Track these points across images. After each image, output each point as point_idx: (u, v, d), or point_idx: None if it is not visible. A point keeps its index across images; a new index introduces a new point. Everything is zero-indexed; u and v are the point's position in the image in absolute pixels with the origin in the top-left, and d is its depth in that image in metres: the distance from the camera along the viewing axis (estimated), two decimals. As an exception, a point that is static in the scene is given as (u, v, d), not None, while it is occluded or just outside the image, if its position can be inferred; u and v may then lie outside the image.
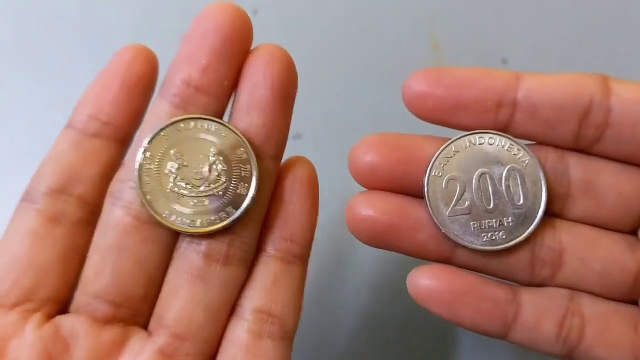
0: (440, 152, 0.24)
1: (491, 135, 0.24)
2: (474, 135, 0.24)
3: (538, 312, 0.24)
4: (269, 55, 0.23)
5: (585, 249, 0.24)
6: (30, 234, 0.23)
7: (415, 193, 0.25)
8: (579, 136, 0.24)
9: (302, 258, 0.24)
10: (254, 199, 0.23)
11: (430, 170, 0.24)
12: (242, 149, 0.23)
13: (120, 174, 0.24)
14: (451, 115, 0.24)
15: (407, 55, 0.41)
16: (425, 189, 0.24)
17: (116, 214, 0.23)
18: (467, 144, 0.25)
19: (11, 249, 0.23)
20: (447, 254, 0.25)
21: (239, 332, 0.23)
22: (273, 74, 0.23)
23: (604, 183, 0.24)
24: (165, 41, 0.41)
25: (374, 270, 0.37)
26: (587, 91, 0.23)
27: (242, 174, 0.23)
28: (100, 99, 0.24)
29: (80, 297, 0.23)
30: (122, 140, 0.24)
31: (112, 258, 0.23)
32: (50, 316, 0.23)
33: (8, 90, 0.40)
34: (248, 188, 0.23)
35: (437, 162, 0.24)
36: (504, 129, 0.24)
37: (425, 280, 0.24)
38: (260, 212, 0.24)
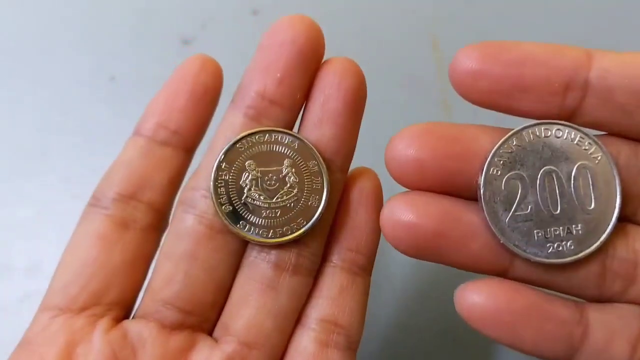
0: (500, 146, 0.21)
1: (559, 126, 0.21)
2: (539, 126, 0.21)
3: (608, 333, 0.21)
4: (342, 68, 0.24)
5: None
6: (100, 238, 0.23)
7: (467, 194, 0.22)
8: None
9: (366, 269, 0.25)
10: (323, 211, 0.24)
11: (487, 167, 0.21)
12: (314, 162, 0.24)
13: (192, 183, 0.24)
14: (509, 99, 0.21)
15: (407, 55, 0.41)
16: (481, 190, 0.21)
17: (189, 222, 0.23)
18: (531, 136, 0.21)
19: (80, 253, 0.23)
20: (504, 267, 0.22)
21: (306, 341, 0.24)
22: (346, 87, 0.24)
23: None
24: (165, 41, 0.41)
25: (403, 275, 0.37)
26: None
27: (314, 186, 0.24)
28: (169, 108, 0.24)
29: (149, 302, 0.23)
30: (189, 148, 0.24)
31: (184, 266, 0.23)
32: (117, 320, 0.23)
33: (8, 90, 0.40)
34: (319, 200, 0.24)
35: (495, 158, 0.21)
36: (570, 116, 0.21)
37: (479, 298, 0.21)
38: (327, 224, 0.24)
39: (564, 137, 0.21)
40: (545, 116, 0.21)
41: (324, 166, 0.24)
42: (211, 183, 0.23)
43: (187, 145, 0.24)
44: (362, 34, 0.42)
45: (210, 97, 0.24)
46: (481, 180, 0.21)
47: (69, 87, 0.40)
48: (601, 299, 0.22)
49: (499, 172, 0.21)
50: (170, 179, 0.24)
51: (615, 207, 0.21)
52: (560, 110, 0.21)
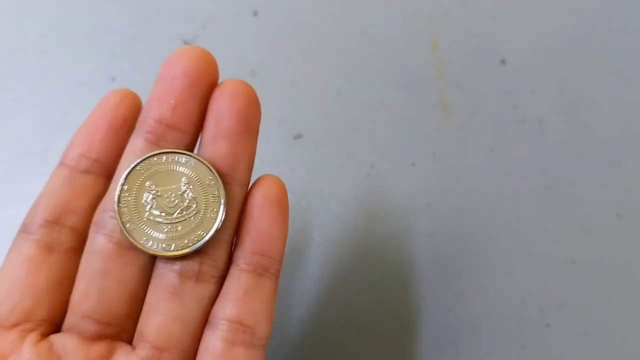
0: None
1: None
2: None
3: None
4: (232, 90, 0.26)
5: None
6: (28, 261, 0.26)
7: None
8: None
9: (272, 270, 0.27)
10: (222, 222, 0.26)
11: None
12: (210, 177, 0.26)
13: (101, 206, 0.26)
14: None
15: (407, 55, 0.42)
16: None
17: (100, 241, 0.26)
18: None
19: (11, 274, 0.26)
20: None
21: (214, 341, 0.26)
22: (237, 108, 0.26)
23: None
24: (165, 41, 0.42)
25: (382, 268, 0.38)
26: None
27: (211, 200, 0.26)
28: (90, 139, 0.27)
29: (71, 317, 0.26)
30: (109, 174, 0.27)
31: (97, 281, 0.26)
32: (45, 335, 0.26)
33: (8, 90, 0.42)
34: (217, 212, 0.26)
35: None
36: None
37: None
38: (229, 232, 0.26)
39: None
40: None
41: (220, 180, 0.26)
42: (115, 204, 0.25)
43: (107, 171, 0.27)
44: (362, 34, 0.43)
45: (129, 127, 0.27)
46: None
47: (69, 87, 0.42)
48: None
49: None
50: (92, 203, 0.27)
51: None
52: None
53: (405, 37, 0.43)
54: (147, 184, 0.26)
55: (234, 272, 0.26)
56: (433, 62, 0.42)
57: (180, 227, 0.26)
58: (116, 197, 0.25)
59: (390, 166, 0.39)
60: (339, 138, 0.39)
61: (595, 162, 0.40)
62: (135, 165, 0.26)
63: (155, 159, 0.26)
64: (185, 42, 0.43)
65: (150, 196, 0.26)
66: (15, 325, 0.25)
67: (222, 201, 0.26)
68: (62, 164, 0.27)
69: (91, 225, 0.26)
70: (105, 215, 0.26)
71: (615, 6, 0.43)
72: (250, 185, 0.27)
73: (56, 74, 0.42)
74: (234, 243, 0.27)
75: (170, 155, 0.26)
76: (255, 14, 0.44)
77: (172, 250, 0.25)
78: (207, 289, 0.26)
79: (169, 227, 0.26)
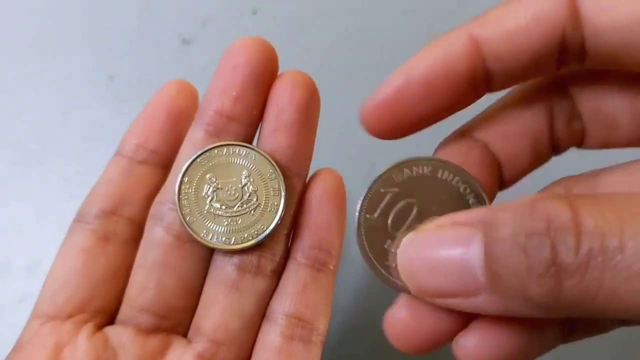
0: None
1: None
2: None
3: None
4: (293, 81, 0.25)
5: None
6: (84, 251, 0.26)
7: None
8: (559, 68, 0.21)
9: (330, 265, 0.26)
10: (282, 215, 0.25)
11: None
12: (270, 170, 0.25)
13: (160, 197, 0.26)
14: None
15: (407, 55, 0.41)
16: None
17: (158, 233, 0.25)
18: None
19: (67, 264, 0.26)
20: None
21: (272, 335, 0.26)
22: (298, 99, 0.25)
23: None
24: (165, 41, 0.42)
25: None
26: (558, 25, 0.20)
27: (272, 193, 0.25)
28: (147, 129, 0.26)
29: (127, 310, 0.26)
30: (166, 165, 0.27)
31: (155, 274, 0.25)
32: (100, 327, 0.26)
33: (8, 90, 0.41)
34: (277, 206, 0.25)
35: None
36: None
37: (475, 343, 0.20)
38: (287, 226, 0.26)
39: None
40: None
41: (280, 174, 0.25)
42: (175, 196, 0.25)
43: (164, 162, 0.27)
44: (362, 34, 0.43)
45: (186, 118, 0.27)
46: None
47: (68, 86, 0.41)
48: None
49: None
50: (149, 194, 0.26)
51: None
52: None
53: (406, 36, 0.42)
54: (207, 176, 0.25)
55: (292, 266, 0.26)
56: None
57: (240, 220, 0.25)
58: (177, 189, 0.25)
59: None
60: (339, 138, 0.39)
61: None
62: (196, 157, 0.25)
63: (216, 151, 0.25)
64: (185, 41, 0.42)
65: (211, 188, 0.25)
66: (70, 316, 0.25)
67: (283, 194, 0.25)
68: (118, 153, 0.27)
69: (149, 217, 0.26)
70: (164, 207, 0.26)
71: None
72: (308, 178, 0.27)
73: (55, 72, 0.42)
74: (291, 236, 0.27)
75: (231, 148, 0.25)
76: (255, 12, 0.43)
77: (232, 244, 0.25)
78: (265, 282, 0.26)
79: (229, 220, 0.25)
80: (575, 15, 0.20)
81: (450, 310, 0.20)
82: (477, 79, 0.21)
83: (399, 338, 0.21)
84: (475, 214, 0.18)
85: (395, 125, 0.22)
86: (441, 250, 0.19)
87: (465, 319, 0.21)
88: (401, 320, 0.21)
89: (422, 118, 0.22)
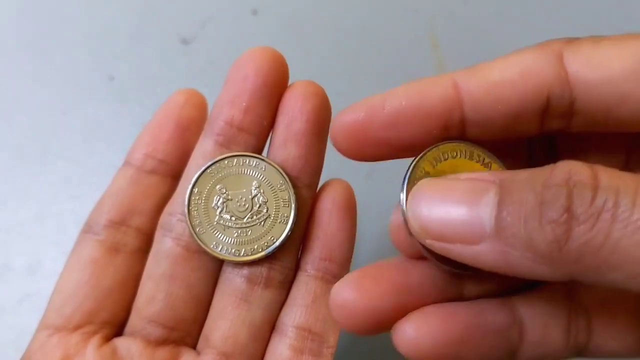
0: None
1: None
2: None
3: (542, 324, 0.21)
4: (304, 91, 0.25)
5: None
6: (92, 262, 0.25)
7: None
8: (543, 128, 0.21)
9: (340, 277, 0.25)
10: (292, 227, 0.25)
11: None
12: (281, 181, 0.25)
13: (169, 208, 0.26)
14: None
15: (407, 55, 0.42)
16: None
17: (167, 244, 0.25)
18: None
19: (74, 275, 0.25)
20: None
21: (281, 348, 0.25)
22: (308, 109, 0.25)
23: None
24: (165, 41, 0.41)
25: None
26: (544, 83, 0.20)
27: (282, 204, 0.25)
28: (156, 139, 0.26)
29: (135, 321, 0.25)
30: (175, 175, 0.26)
31: (164, 285, 0.25)
32: (108, 338, 0.25)
33: (8, 90, 0.41)
34: (288, 217, 0.25)
35: None
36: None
37: (416, 332, 0.20)
38: (297, 237, 0.26)
39: None
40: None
41: (290, 184, 0.25)
42: (185, 207, 0.25)
43: (173, 172, 0.26)
44: (362, 34, 0.42)
45: (195, 128, 0.26)
46: None
47: (68, 87, 0.41)
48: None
49: None
50: (157, 204, 0.26)
51: None
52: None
53: (406, 36, 0.42)
54: (217, 187, 0.25)
55: (302, 278, 0.26)
56: (433, 62, 0.42)
57: (250, 231, 0.25)
58: (186, 199, 0.25)
59: (390, 166, 0.39)
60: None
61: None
62: (206, 168, 0.25)
63: (226, 162, 0.25)
64: (185, 41, 0.42)
65: (221, 200, 0.25)
66: (78, 327, 0.25)
67: (293, 206, 0.25)
68: (127, 163, 0.26)
69: (158, 228, 0.26)
70: (173, 218, 0.25)
71: (616, 6, 0.43)
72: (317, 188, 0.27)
73: (55, 72, 0.41)
74: (301, 247, 0.26)
75: (241, 159, 0.25)
76: (254, 13, 0.43)
77: (242, 256, 0.25)
78: (275, 294, 0.26)
79: (239, 231, 0.25)
80: (563, 74, 0.19)
81: (395, 292, 0.20)
82: (451, 122, 0.20)
83: (340, 312, 0.20)
84: (494, 173, 0.18)
85: (361, 147, 0.21)
86: (454, 194, 0.18)
87: (409, 303, 0.20)
88: (345, 295, 0.20)
89: (389, 147, 0.21)
